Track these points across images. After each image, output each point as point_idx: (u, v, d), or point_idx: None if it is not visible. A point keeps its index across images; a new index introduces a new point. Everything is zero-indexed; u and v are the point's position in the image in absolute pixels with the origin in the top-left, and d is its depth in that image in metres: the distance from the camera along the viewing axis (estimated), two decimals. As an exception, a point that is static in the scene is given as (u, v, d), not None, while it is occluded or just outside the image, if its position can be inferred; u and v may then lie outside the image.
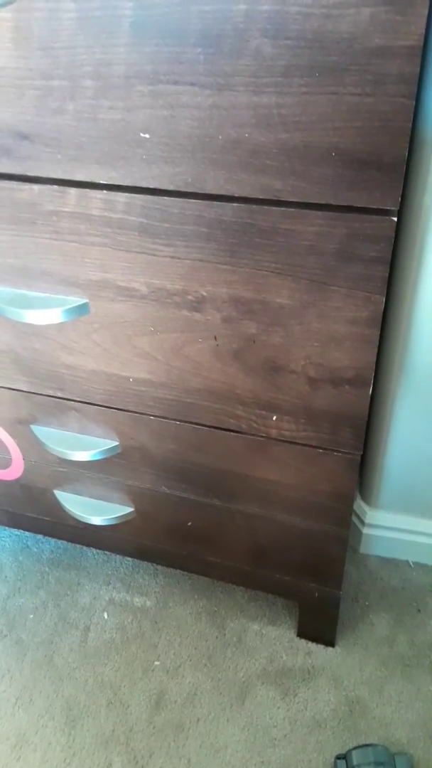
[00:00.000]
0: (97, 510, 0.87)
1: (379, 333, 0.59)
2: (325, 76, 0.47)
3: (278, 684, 0.92)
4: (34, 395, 0.77)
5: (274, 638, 0.97)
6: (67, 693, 0.92)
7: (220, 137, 0.51)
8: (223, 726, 0.88)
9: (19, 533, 1.14)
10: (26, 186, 0.59)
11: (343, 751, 0.83)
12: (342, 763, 0.81)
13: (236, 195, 0.54)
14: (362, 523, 1.04)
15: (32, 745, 0.87)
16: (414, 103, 0.47)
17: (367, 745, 0.81)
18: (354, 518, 1.06)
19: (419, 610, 0.99)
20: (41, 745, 0.87)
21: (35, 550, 1.11)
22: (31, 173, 0.59)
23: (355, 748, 0.81)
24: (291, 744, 0.86)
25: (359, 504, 1.04)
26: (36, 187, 0.59)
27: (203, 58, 0.48)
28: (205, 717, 0.89)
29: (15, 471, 0.90)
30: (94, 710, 0.90)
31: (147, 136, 0.53)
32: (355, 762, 0.79)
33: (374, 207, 0.52)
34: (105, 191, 0.57)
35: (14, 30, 0.51)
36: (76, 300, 0.65)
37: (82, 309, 0.66)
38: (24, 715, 0.90)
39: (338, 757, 0.82)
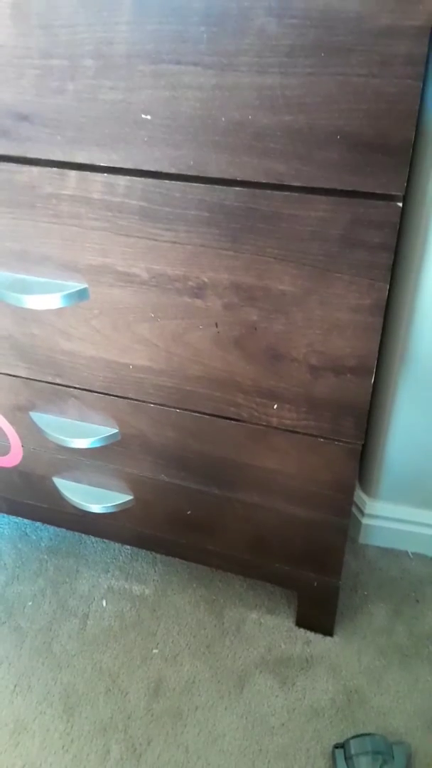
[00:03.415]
0: (96, 498, 0.86)
1: (382, 321, 0.58)
2: (331, 57, 0.46)
3: (276, 673, 0.92)
4: (33, 382, 0.77)
5: (272, 627, 0.96)
6: (65, 680, 0.92)
7: (223, 119, 0.50)
8: (221, 714, 0.88)
9: (17, 520, 1.13)
10: (25, 168, 0.59)
11: (341, 740, 0.83)
12: (340, 753, 0.81)
13: (239, 179, 0.53)
14: (361, 513, 1.03)
15: (30, 731, 0.87)
16: (422, 85, 0.46)
17: (365, 735, 0.81)
18: (353, 508, 1.06)
19: (418, 601, 0.99)
20: (39, 731, 0.87)
21: (34, 537, 1.11)
22: (30, 155, 0.58)
23: (353, 737, 0.81)
24: (289, 732, 0.86)
25: (359, 494, 1.03)
26: (35, 169, 0.58)
27: (206, 37, 0.47)
28: (203, 705, 0.89)
29: (14, 458, 0.89)
30: (92, 697, 0.90)
31: (148, 117, 0.52)
32: (353, 751, 0.79)
33: (379, 192, 0.51)
34: (105, 174, 0.57)
35: (13, 7, 0.50)
36: (76, 285, 0.65)
37: (81, 294, 0.65)
38: (22, 702, 0.90)
39: (336, 746, 0.82)
